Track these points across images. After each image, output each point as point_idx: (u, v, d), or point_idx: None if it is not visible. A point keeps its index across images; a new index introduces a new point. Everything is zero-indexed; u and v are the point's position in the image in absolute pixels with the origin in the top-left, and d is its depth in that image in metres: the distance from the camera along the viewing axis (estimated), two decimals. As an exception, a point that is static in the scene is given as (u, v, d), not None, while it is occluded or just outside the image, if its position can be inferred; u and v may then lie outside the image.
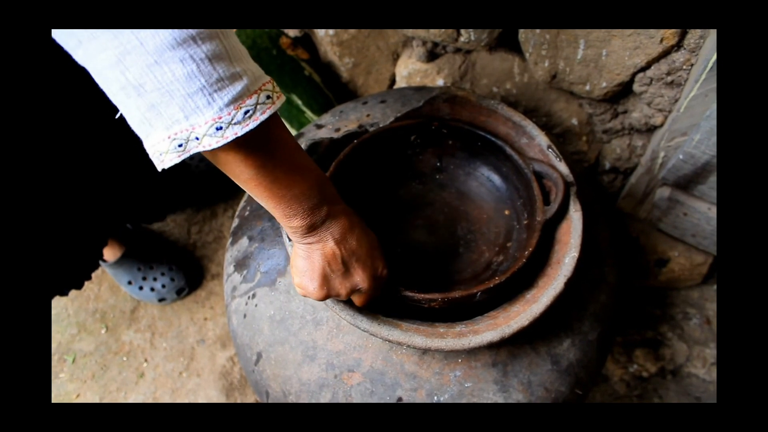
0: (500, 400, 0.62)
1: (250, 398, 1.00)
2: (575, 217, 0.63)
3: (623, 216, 1.00)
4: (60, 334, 1.05)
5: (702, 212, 0.86)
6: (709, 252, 0.94)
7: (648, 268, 1.01)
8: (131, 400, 0.99)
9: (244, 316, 0.70)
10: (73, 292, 1.08)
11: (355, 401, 0.62)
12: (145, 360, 1.03)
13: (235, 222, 0.77)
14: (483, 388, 0.62)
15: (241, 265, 0.72)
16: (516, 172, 0.65)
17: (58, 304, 1.08)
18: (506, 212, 0.67)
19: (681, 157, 0.78)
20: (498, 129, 0.69)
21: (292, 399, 0.65)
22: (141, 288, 1.04)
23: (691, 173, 0.80)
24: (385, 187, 0.69)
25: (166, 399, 0.99)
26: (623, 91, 0.82)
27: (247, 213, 0.75)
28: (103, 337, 1.05)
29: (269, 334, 0.66)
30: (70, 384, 1.01)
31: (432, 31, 0.87)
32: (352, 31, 1.00)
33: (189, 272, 1.07)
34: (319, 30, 1.04)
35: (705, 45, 0.70)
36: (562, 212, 0.64)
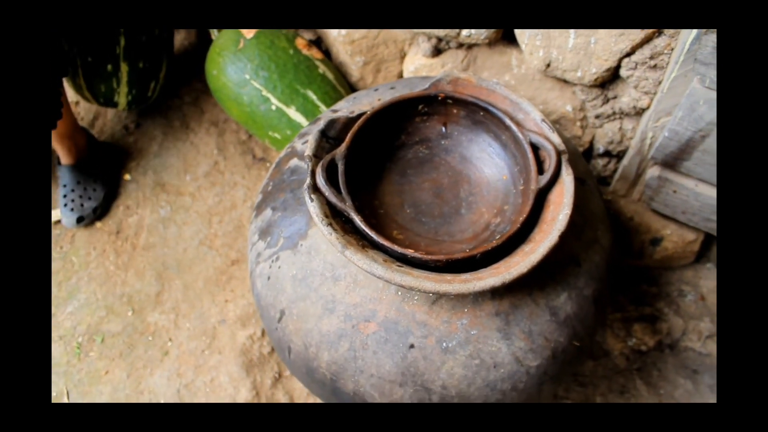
0: (503, 348, 0.68)
1: (269, 374, 1.05)
2: (567, 180, 0.69)
3: (618, 198, 1.06)
4: (90, 317, 1.12)
5: (690, 189, 0.92)
6: (700, 229, 1.00)
7: (643, 248, 1.07)
8: (156, 376, 1.05)
9: (268, 278, 0.76)
10: (101, 276, 1.15)
11: (371, 349, 0.68)
12: (170, 339, 1.09)
13: (259, 197, 0.85)
14: (487, 335, 0.68)
15: (264, 233, 0.79)
16: (514, 141, 0.72)
17: (87, 288, 1.15)
18: (504, 177, 0.74)
19: (666, 134, 0.85)
20: (497, 107, 0.76)
21: (312, 350, 0.72)
22: (66, 205, 1.18)
23: (677, 150, 0.86)
24: (396, 152, 0.76)
25: (190, 375, 1.05)
26: (612, 77, 0.89)
27: (270, 188, 0.83)
28: (129, 319, 1.11)
29: (292, 292, 0.73)
30: (99, 362, 1.07)
31: (436, 26, 0.95)
32: (363, 30, 1.09)
33: (108, 197, 1.23)
34: (331, 31, 1.13)
35: (683, 30, 0.78)
36: (555, 178, 0.71)
